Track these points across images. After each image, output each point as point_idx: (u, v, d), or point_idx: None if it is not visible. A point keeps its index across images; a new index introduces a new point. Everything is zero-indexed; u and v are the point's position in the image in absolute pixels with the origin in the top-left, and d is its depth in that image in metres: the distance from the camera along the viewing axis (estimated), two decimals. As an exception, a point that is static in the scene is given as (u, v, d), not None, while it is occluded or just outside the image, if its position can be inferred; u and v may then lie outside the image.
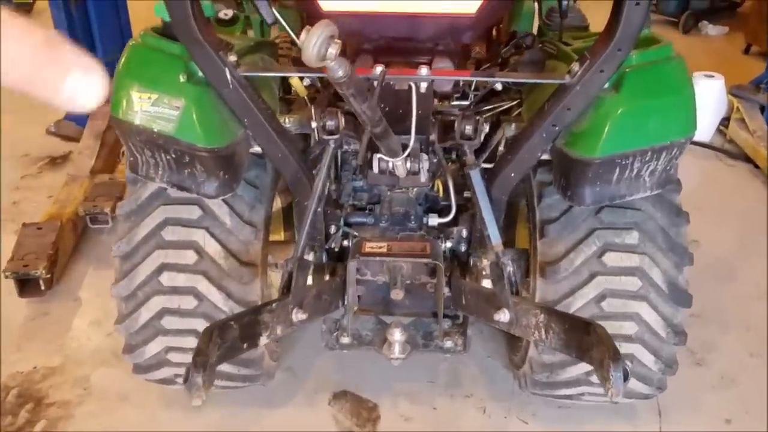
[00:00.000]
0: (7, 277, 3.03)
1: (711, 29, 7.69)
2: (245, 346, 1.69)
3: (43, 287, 3.08)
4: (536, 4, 2.95)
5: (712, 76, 4.86)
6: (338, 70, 1.31)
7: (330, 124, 1.95)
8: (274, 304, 1.82)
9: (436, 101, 2.37)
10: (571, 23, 2.55)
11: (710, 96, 4.79)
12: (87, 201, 3.61)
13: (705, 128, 4.89)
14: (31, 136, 4.67)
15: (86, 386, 2.68)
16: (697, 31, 7.70)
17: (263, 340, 1.77)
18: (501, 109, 2.38)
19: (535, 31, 2.92)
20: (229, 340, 1.62)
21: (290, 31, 2.33)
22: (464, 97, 2.52)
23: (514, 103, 2.39)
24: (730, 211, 4.08)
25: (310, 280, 2.22)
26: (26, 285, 3.09)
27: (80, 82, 0.46)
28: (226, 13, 2.39)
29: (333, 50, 1.20)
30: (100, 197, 3.63)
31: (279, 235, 2.73)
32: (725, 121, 5.05)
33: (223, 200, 2.12)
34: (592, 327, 1.57)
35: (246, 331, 1.69)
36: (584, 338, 1.60)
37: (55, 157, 4.55)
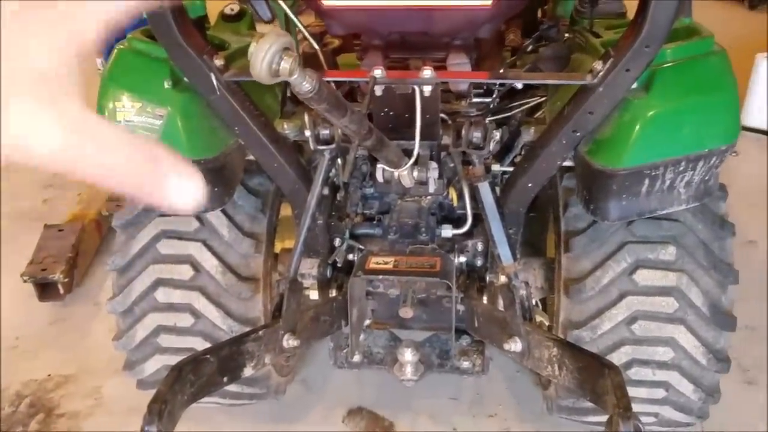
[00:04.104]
0: (25, 281, 2.99)
1: (781, 4, 7.15)
2: (225, 379, 1.56)
3: (62, 291, 3.04)
4: None
5: (778, 58, 4.46)
6: (303, 84, 1.14)
7: (324, 133, 1.78)
8: (261, 332, 1.68)
9: (453, 100, 2.18)
10: (605, 10, 2.30)
11: (774, 80, 4.41)
12: (111, 200, 3.54)
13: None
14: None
15: (97, 396, 2.62)
16: (765, 6, 7.15)
17: (248, 371, 1.63)
18: (524, 109, 2.16)
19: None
20: (204, 375, 1.48)
21: (301, 25, 2.21)
22: (488, 93, 2.31)
23: (539, 101, 2.17)
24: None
25: (315, 296, 2.09)
26: (45, 289, 3.05)
27: (178, 190, 0.51)
28: (233, 8, 2.24)
29: (286, 65, 1.03)
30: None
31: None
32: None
33: (222, 210, 2.00)
34: (607, 371, 1.36)
35: (225, 364, 1.55)
36: (599, 381, 1.40)
37: (89, 152, 4.53)
